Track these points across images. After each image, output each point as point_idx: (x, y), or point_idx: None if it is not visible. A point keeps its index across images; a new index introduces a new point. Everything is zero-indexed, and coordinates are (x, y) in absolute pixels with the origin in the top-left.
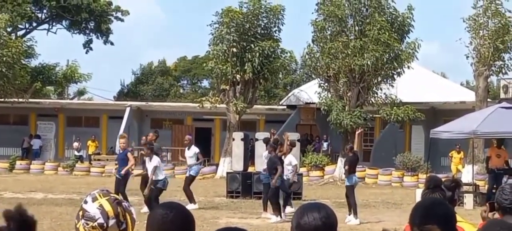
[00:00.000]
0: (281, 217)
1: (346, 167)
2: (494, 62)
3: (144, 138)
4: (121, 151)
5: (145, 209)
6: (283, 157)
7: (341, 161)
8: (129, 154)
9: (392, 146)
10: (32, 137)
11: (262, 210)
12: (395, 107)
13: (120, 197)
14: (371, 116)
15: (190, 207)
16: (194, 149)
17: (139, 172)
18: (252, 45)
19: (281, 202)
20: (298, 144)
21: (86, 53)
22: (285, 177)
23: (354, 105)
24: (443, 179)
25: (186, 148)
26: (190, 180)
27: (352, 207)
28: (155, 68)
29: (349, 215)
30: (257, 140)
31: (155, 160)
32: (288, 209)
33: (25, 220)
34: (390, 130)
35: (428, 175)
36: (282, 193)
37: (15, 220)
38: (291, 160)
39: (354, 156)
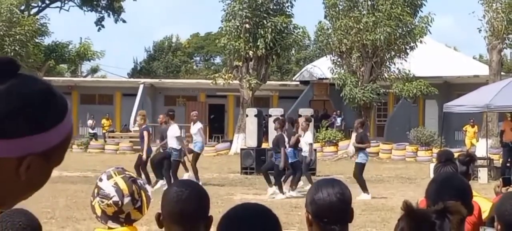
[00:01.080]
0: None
1: (359, 143)
2: (507, 36)
3: (161, 116)
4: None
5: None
6: (299, 137)
7: (354, 136)
8: (145, 133)
9: (405, 121)
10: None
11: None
12: (407, 83)
13: (135, 175)
14: (384, 90)
15: None
16: (198, 125)
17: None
18: (264, 21)
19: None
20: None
21: (98, 30)
22: (303, 154)
23: (367, 81)
24: (457, 154)
25: (192, 123)
26: (195, 156)
27: (361, 184)
28: (167, 44)
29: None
30: (270, 116)
31: (175, 129)
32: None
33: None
34: (404, 104)
35: (440, 149)
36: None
37: None
38: (307, 138)
39: (365, 132)
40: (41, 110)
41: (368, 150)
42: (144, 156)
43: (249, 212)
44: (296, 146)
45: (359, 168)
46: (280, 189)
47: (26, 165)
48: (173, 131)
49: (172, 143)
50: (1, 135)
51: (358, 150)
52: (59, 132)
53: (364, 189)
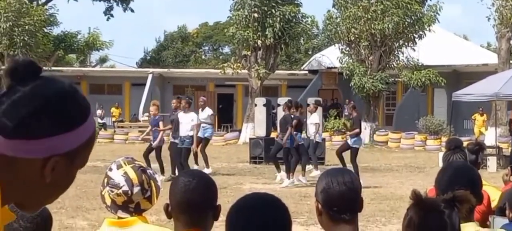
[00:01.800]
0: (290, 179)
1: (354, 128)
2: None
3: (174, 101)
4: (153, 118)
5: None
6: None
7: (363, 126)
8: (161, 123)
9: (414, 110)
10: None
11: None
12: (416, 72)
13: (144, 165)
14: (393, 79)
15: (206, 171)
16: (208, 111)
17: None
18: (273, 10)
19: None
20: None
21: (107, 20)
22: (309, 136)
23: (376, 70)
24: (466, 142)
25: (200, 110)
26: (205, 142)
27: (355, 169)
28: (175, 34)
29: None
30: (279, 105)
31: (193, 115)
32: (314, 173)
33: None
34: (412, 93)
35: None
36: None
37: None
38: (314, 119)
39: (358, 115)
40: (64, 111)
41: (377, 138)
42: (156, 144)
43: (258, 202)
44: (298, 128)
45: (354, 153)
46: (288, 172)
47: (51, 166)
48: (191, 116)
49: (187, 129)
50: (26, 135)
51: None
52: (82, 132)
53: (357, 175)
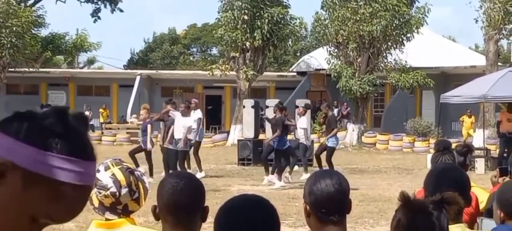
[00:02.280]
0: (278, 180)
1: (328, 128)
2: (504, 26)
3: (164, 104)
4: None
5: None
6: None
7: (351, 127)
8: (149, 126)
9: (402, 112)
10: (43, 106)
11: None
12: (404, 74)
13: (132, 166)
14: (381, 81)
15: (198, 175)
16: (198, 114)
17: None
18: (261, 11)
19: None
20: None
21: (94, 22)
22: (298, 138)
23: (364, 71)
24: (454, 144)
25: (192, 111)
26: (197, 145)
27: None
28: (165, 36)
29: None
30: (267, 107)
31: (190, 119)
32: (304, 176)
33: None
34: (401, 95)
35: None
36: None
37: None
38: (302, 123)
39: (333, 115)
40: (47, 124)
41: (365, 140)
42: (149, 146)
43: (247, 203)
44: (285, 132)
45: (330, 153)
46: (279, 174)
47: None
48: (189, 120)
49: (182, 132)
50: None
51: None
52: (64, 167)
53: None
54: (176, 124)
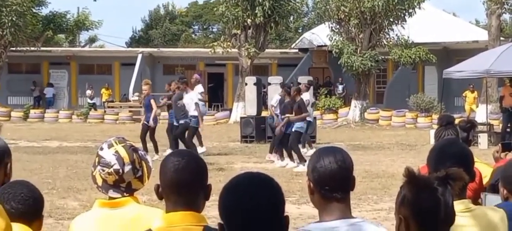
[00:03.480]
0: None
1: (297, 112)
2: (506, 0)
3: (167, 85)
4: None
5: (156, 157)
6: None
7: (354, 104)
8: (152, 101)
9: (405, 87)
10: (36, 84)
11: (268, 152)
12: (406, 50)
13: (135, 145)
14: (383, 57)
15: (200, 150)
16: (199, 88)
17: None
18: None
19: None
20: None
21: (95, 0)
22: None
23: (366, 48)
24: (457, 120)
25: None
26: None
27: (297, 154)
28: (164, 12)
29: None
30: (269, 84)
31: (194, 94)
32: (309, 151)
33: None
34: (403, 71)
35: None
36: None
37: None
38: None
39: (302, 100)
40: None
41: (368, 116)
42: (152, 124)
43: (252, 181)
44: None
45: (296, 137)
46: (301, 157)
47: None
48: (193, 96)
49: (190, 109)
50: None
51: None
52: None
53: (301, 159)
54: (185, 103)
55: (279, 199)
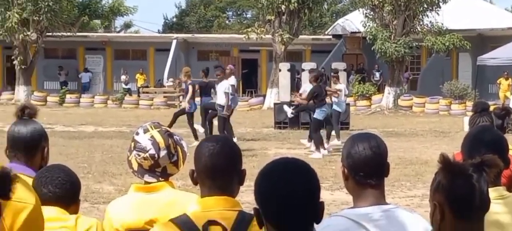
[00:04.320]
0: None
1: (310, 98)
2: None
3: (202, 72)
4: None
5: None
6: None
7: (387, 90)
8: (190, 88)
9: (439, 74)
10: (62, 68)
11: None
12: (439, 36)
13: (171, 130)
14: (416, 44)
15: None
16: (231, 80)
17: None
18: None
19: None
20: (344, 74)
21: None
22: (333, 107)
23: (400, 34)
24: (492, 107)
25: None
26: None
27: (315, 142)
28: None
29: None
30: (303, 70)
31: (225, 84)
32: (335, 142)
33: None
34: (437, 58)
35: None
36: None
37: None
38: (340, 87)
39: (318, 87)
40: None
41: (401, 103)
42: (187, 107)
43: (287, 167)
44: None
45: (316, 124)
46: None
47: None
48: (224, 85)
49: (221, 98)
50: None
51: (315, 105)
52: None
53: (317, 148)
54: (217, 91)
55: (314, 185)
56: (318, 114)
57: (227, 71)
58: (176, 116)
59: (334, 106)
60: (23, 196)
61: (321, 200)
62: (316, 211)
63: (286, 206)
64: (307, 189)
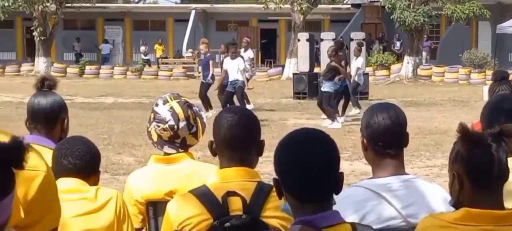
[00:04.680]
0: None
1: (329, 71)
2: None
3: (222, 46)
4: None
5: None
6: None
7: (406, 60)
8: (211, 62)
9: (458, 43)
10: (79, 40)
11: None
12: (459, 5)
13: (190, 101)
14: (436, 13)
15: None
16: (249, 54)
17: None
18: None
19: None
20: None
21: None
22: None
23: (419, 3)
24: (511, 75)
25: (243, 50)
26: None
27: (327, 113)
28: None
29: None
30: (322, 40)
31: (240, 61)
32: (354, 111)
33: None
34: (456, 27)
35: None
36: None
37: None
38: (357, 63)
39: (338, 60)
40: None
41: (421, 73)
42: (210, 80)
43: (307, 137)
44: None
45: (326, 97)
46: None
47: None
48: (238, 62)
49: (235, 73)
50: None
51: (329, 78)
52: None
53: (333, 118)
54: (229, 68)
55: (334, 156)
56: (329, 87)
57: (243, 44)
58: (204, 94)
59: (355, 78)
60: (34, 164)
61: (340, 171)
62: (336, 182)
63: (306, 177)
64: (327, 160)
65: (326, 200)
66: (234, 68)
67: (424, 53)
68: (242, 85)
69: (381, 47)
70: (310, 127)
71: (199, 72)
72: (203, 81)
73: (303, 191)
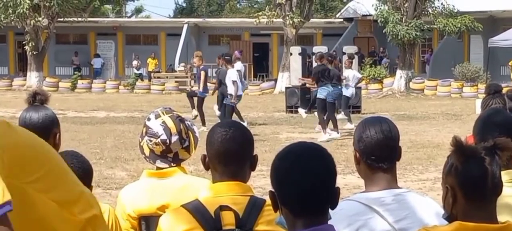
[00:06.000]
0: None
1: (313, 79)
2: None
3: (218, 59)
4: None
5: (203, 128)
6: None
7: (399, 73)
8: (202, 73)
9: (450, 57)
10: (78, 54)
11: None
12: (451, 18)
13: (182, 115)
14: (428, 26)
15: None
16: (237, 66)
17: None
18: None
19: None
20: (356, 58)
21: None
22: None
23: (411, 17)
24: (505, 89)
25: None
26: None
27: (321, 122)
28: None
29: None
30: (313, 54)
31: (233, 73)
32: (348, 126)
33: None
34: (448, 40)
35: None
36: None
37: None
38: (346, 75)
39: (320, 66)
40: None
41: (413, 86)
42: (198, 93)
43: (304, 152)
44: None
45: (320, 104)
46: (324, 127)
47: None
48: (229, 74)
49: (228, 87)
50: None
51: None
52: None
53: (323, 128)
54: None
55: (330, 171)
56: (320, 94)
57: (233, 58)
58: (191, 97)
59: (344, 92)
60: None
61: (336, 186)
62: (332, 197)
63: (302, 191)
64: (323, 174)
65: (322, 214)
66: (229, 80)
67: (427, 67)
68: (229, 103)
69: (371, 61)
70: (303, 140)
71: (191, 86)
72: (199, 95)
73: (298, 205)
